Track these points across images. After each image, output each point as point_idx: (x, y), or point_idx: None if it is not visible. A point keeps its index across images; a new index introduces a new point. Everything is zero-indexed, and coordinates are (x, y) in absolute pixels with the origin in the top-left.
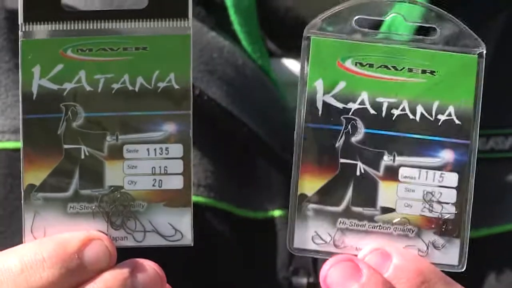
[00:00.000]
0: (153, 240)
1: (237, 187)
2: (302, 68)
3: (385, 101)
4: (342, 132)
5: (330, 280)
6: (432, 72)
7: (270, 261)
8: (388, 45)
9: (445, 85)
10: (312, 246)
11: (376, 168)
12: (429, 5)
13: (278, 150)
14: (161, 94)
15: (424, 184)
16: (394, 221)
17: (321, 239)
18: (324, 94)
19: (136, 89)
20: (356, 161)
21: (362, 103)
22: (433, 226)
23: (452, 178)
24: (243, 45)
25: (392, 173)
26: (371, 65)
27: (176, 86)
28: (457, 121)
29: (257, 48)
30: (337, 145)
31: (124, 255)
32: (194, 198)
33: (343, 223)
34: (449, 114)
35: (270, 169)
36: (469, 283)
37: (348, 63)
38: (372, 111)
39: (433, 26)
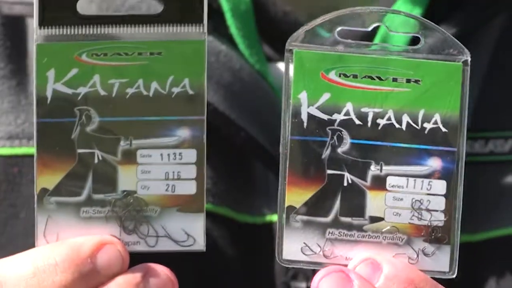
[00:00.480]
0: (165, 245)
1: (235, 192)
2: (286, 80)
3: (370, 111)
4: (328, 143)
5: None
6: (417, 81)
7: (269, 265)
8: (372, 55)
9: (430, 93)
10: (301, 257)
11: (363, 178)
12: (413, 14)
13: (275, 154)
14: (175, 99)
15: (412, 193)
16: (383, 230)
17: (311, 250)
18: (308, 106)
19: (151, 94)
20: (343, 171)
21: (347, 114)
22: (422, 233)
23: (440, 186)
24: (240, 49)
25: (379, 183)
26: (355, 76)
27: (191, 92)
28: (443, 129)
29: (255, 53)
30: (323, 156)
31: (136, 259)
32: None
33: (332, 234)
34: (435, 122)
35: (268, 174)
36: None
37: (332, 75)
38: (357, 122)
39: (417, 35)
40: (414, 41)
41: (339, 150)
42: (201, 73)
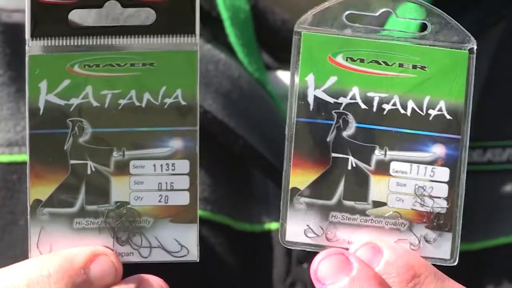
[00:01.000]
0: (159, 256)
1: (233, 200)
2: (293, 63)
3: (376, 96)
4: (333, 126)
5: (320, 274)
6: (422, 67)
7: (267, 274)
8: (379, 40)
9: (436, 80)
10: (304, 239)
11: (368, 162)
12: (420, 1)
13: (274, 162)
14: (167, 110)
15: (415, 179)
16: (386, 215)
17: (313, 232)
18: (315, 88)
19: (143, 105)
20: (347, 155)
21: (353, 97)
22: (424, 220)
23: (443, 173)
24: (239, 57)
25: (383, 168)
26: (362, 60)
27: (183, 102)
28: (448, 116)
29: (254, 61)
30: (328, 139)
31: (130, 270)
32: None
33: (335, 217)
34: (440, 109)
35: (267, 182)
36: None
37: (339, 58)
38: (363, 106)
39: (424, 21)
40: (422, 28)
41: (344, 133)
42: (193, 84)
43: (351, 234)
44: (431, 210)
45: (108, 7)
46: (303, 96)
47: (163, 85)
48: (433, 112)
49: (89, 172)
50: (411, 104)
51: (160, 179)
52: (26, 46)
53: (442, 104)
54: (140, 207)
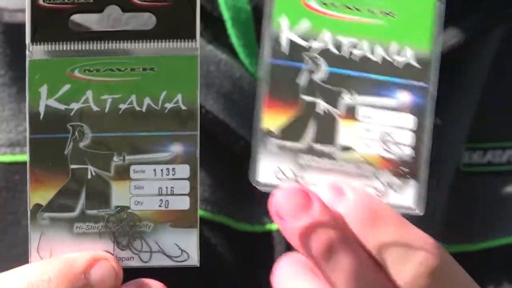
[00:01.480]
0: (159, 261)
1: (234, 201)
2: (267, 5)
3: (346, 41)
4: (304, 69)
5: (281, 211)
6: (391, 14)
7: (268, 274)
8: None
9: (403, 27)
10: (275, 181)
11: (336, 106)
12: None
13: None
14: (168, 115)
15: (381, 124)
16: (353, 160)
17: (284, 174)
18: (288, 31)
19: (144, 110)
20: (316, 98)
21: (324, 42)
22: (390, 167)
23: (408, 120)
24: (241, 58)
25: (351, 112)
26: (333, 5)
27: (183, 107)
28: (415, 64)
29: (255, 62)
30: (299, 82)
31: (130, 275)
32: None
33: (304, 160)
34: (408, 56)
35: None
36: None
37: (312, 2)
38: (333, 50)
39: None
40: None
41: (315, 77)
42: (194, 89)
43: (320, 177)
44: (396, 157)
45: (110, 11)
46: (276, 38)
47: (164, 90)
48: (400, 59)
49: (89, 176)
50: (379, 50)
51: (160, 184)
52: (27, 51)
53: (409, 52)
54: (141, 211)
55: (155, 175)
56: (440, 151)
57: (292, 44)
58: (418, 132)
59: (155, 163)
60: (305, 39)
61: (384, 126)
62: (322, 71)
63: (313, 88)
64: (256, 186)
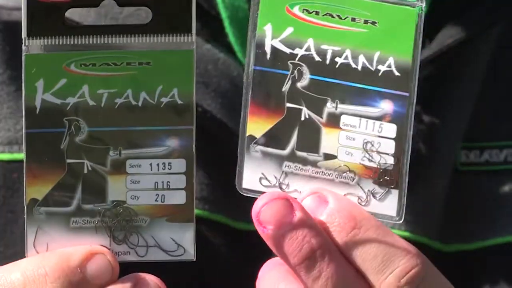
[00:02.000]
0: (155, 255)
1: (231, 199)
2: (253, 12)
3: (329, 49)
4: (288, 76)
5: (262, 217)
6: (373, 23)
7: None
8: None
9: (385, 36)
10: (259, 187)
11: (320, 114)
12: None
13: None
14: (164, 109)
15: (364, 133)
16: (336, 168)
17: (268, 181)
18: (272, 38)
19: (140, 104)
20: (301, 106)
21: (308, 49)
22: (372, 175)
23: (390, 129)
24: (238, 57)
25: (334, 120)
26: (317, 13)
27: (179, 101)
28: (396, 73)
29: None
30: (283, 89)
31: (127, 269)
32: None
33: (288, 167)
34: (389, 65)
35: None
36: None
37: (296, 10)
38: (317, 58)
39: None
40: None
41: (299, 84)
42: (189, 83)
43: (303, 185)
44: (379, 166)
45: (106, 6)
46: (260, 45)
47: (160, 84)
48: (382, 68)
49: (85, 171)
50: (362, 59)
51: (156, 178)
52: (23, 45)
53: (391, 60)
54: (137, 206)
55: (151, 170)
56: (437, 150)
57: (277, 51)
58: (399, 140)
59: (151, 157)
60: (289, 46)
61: (367, 135)
62: (306, 78)
63: (297, 95)
64: (241, 192)
